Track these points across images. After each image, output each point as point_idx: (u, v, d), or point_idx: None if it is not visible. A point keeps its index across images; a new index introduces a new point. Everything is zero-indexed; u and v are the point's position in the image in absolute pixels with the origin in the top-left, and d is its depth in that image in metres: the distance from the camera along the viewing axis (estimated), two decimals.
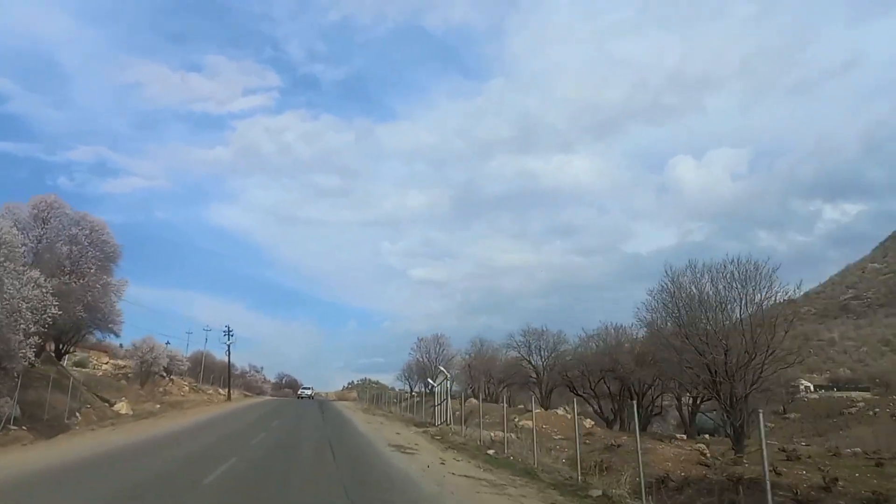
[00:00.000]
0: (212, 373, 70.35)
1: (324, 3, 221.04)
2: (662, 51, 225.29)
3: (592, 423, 34.51)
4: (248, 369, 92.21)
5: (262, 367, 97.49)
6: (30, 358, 20.48)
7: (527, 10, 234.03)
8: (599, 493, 13.31)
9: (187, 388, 54.71)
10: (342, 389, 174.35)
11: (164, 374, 49.37)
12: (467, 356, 60.45)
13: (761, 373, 20.74)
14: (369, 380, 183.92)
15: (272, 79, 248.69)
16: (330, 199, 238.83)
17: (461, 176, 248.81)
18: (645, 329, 31.07)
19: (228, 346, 61.66)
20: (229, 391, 59.39)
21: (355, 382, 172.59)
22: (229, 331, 62.29)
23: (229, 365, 63.97)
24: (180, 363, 56.53)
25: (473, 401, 45.71)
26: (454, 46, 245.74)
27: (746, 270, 22.75)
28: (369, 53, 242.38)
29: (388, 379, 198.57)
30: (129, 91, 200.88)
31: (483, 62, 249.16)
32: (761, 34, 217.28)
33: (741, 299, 22.56)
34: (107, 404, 32.31)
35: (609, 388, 39.07)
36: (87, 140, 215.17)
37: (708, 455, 20.65)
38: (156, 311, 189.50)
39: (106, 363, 56.88)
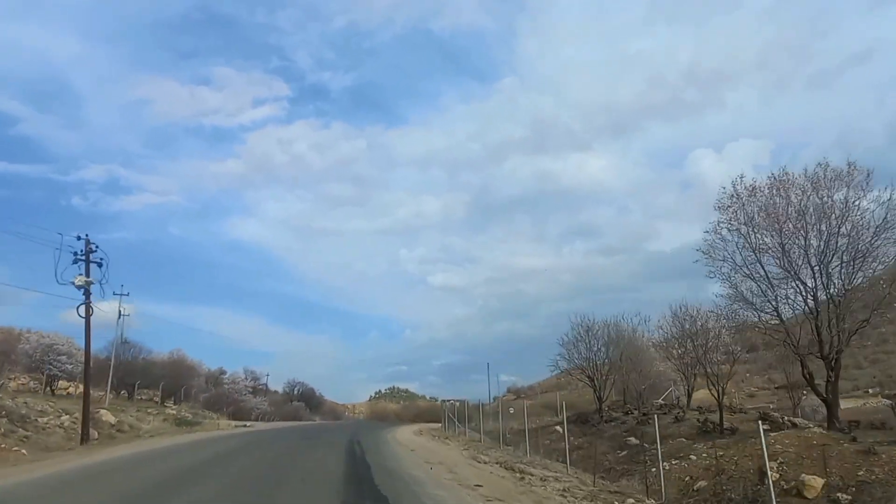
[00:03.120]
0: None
1: (330, 10, 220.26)
2: (676, 47, 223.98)
3: None
4: (236, 375, 66.96)
5: (266, 375, 76.18)
6: None
7: (536, 11, 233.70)
8: None
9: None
10: (369, 400, 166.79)
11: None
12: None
13: None
14: (398, 388, 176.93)
15: (281, 88, 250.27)
16: (345, 208, 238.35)
17: (476, 180, 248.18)
18: None
19: (86, 287, 25.65)
20: (84, 422, 24.50)
21: (382, 391, 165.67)
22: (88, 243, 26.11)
23: (87, 340, 27.03)
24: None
25: None
26: (464, 49, 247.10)
27: None
28: (378, 59, 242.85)
29: (415, 387, 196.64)
30: (138, 108, 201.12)
31: (494, 65, 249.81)
32: (778, 25, 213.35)
33: None
34: None
35: None
36: (99, 159, 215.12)
37: None
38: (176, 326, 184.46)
39: None
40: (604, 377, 37.15)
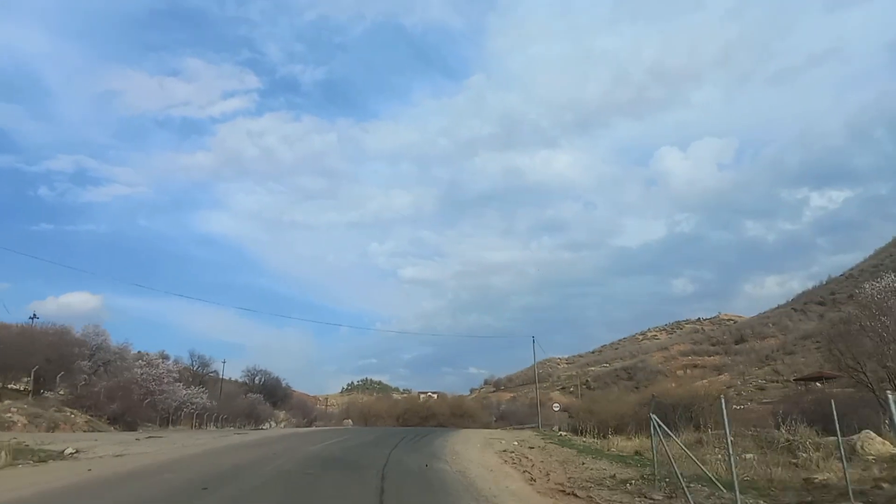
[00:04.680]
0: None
1: (300, 3, 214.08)
2: (641, 45, 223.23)
3: None
4: (152, 357, 45.54)
5: (222, 362, 63.73)
6: None
7: (504, 9, 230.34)
8: None
9: None
10: (342, 392, 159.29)
11: None
12: None
13: None
14: (371, 380, 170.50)
15: (251, 81, 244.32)
16: (316, 201, 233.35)
17: (446, 174, 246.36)
18: None
19: None
20: None
21: (355, 383, 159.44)
22: None
23: None
24: None
25: None
26: (434, 46, 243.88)
27: None
28: (349, 54, 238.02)
29: (386, 379, 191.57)
30: (108, 99, 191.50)
31: (463, 61, 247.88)
32: (740, 25, 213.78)
33: None
34: None
35: None
36: (68, 149, 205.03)
37: None
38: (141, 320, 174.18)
39: None
40: None
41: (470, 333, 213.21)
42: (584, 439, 27.61)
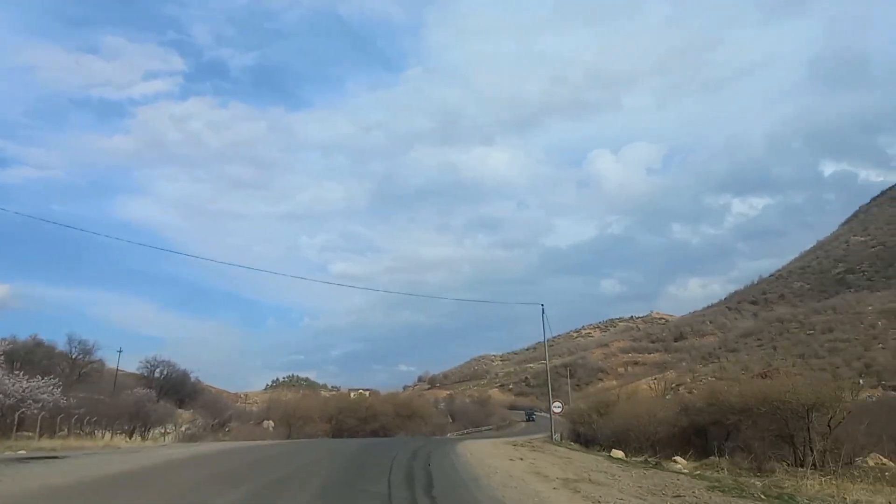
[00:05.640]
0: None
1: None
2: (580, 47, 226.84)
3: None
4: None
5: (118, 351, 59.17)
6: None
7: (444, 3, 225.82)
8: None
9: None
10: (266, 389, 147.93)
11: None
12: None
13: None
14: (297, 376, 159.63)
15: (176, 63, 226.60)
16: (244, 191, 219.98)
17: (381, 168, 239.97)
18: None
19: None
20: None
21: (280, 380, 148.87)
22: None
23: None
24: None
25: None
26: (372, 36, 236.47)
27: None
28: (282, 40, 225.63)
29: (314, 375, 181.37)
30: (21, 75, 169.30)
31: (401, 54, 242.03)
32: (676, 34, 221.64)
33: None
34: None
35: None
36: None
37: None
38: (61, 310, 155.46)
39: None
40: None
41: (401, 329, 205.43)
42: (633, 458, 19.47)
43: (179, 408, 58.81)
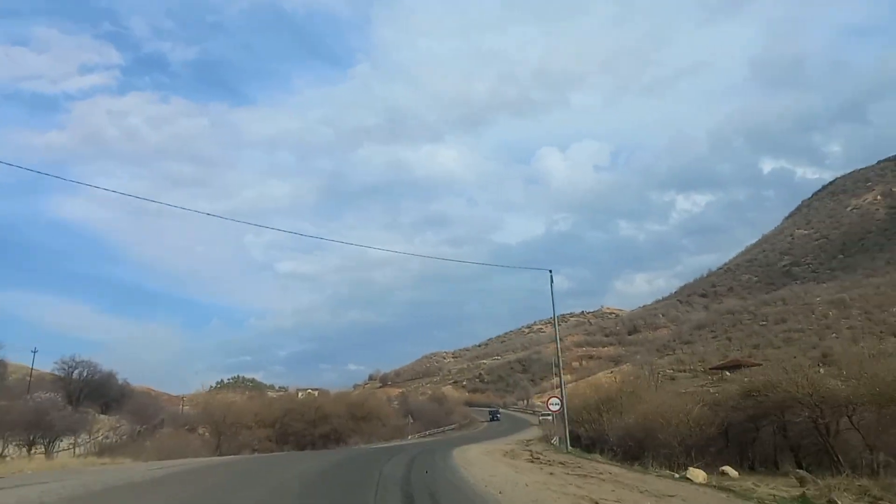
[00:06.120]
0: None
1: None
2: (527, 46, 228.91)
3: None
4: None
5: (33, 351, 51.16)
6: None
7: (393, 0, 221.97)
8: None
9: None
10: (209, 391, 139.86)
11: None
12: None
13: None
14: (243, 377, 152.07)
15: (112, 56, 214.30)
16: (186, 189, 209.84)
17: (328, 165, 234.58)
18: None
19: None
20: None
21: (225, 381, 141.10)
22: None
23: None
24: None
25: None
26: (318, 32, 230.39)
27: None
28: (224, 34, 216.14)
29: (261, 377, 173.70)
30: None
31: (348, 50, 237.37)
32: (621, 33, 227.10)
33: None
34: None
35: None
36: None
37: None
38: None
39: None
40: None
41: (349, 328, 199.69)
42: (673, 473, 14.49)
43: (104, 413, 52.34)
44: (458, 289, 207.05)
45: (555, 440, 26.67)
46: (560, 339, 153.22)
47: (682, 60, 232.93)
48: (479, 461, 17.84)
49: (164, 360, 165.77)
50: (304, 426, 39.10)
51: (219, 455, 27.46)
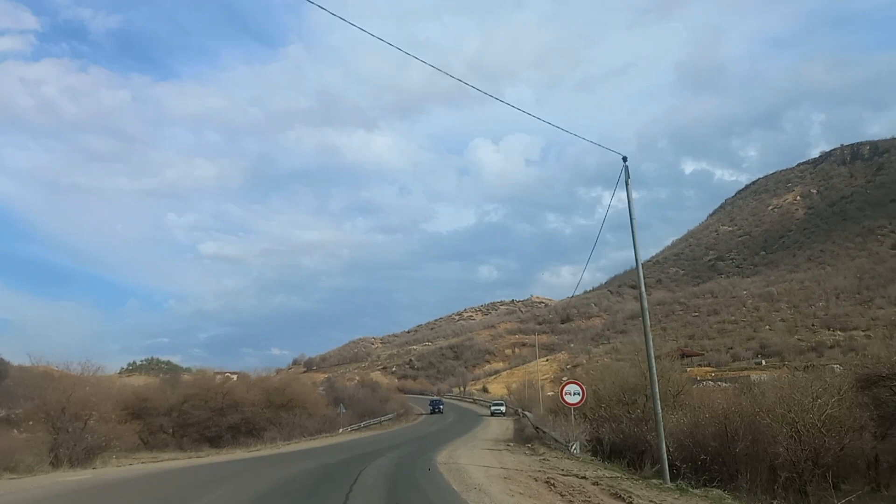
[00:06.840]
0: None
1: None
2: (463, 37, 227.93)
3: None
4: None
5: None
6: None
7: None
8: None
9: None
10: (120, 373, 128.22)
11: None
12: None
13: None
14: (157, 359, 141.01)
15: (27, 20, 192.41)
16: (104, 164, 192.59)
17: (256, 147, 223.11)
18: None
19: None
20: None
21: (138, 363, 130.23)
22: None
23: None
24: None
25: None
26: (248, 8, 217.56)
27: None
28: (148, 4, 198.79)
29: (178, 359, 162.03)
30: None
31: (280, 29, 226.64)
32: (554, 31, 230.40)
33: None
34: None
35: None
36: None
37: None
38: None
39: None
40: None
41: (274, 312, 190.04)
42: None
43: None
44: (387, 276, 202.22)
45: (574, 447, 19.31)
46: (493, 326, 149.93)
47: (611, 60, 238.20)
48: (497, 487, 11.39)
49: (76, 340, 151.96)
50: (209, 414, 32.27)
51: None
